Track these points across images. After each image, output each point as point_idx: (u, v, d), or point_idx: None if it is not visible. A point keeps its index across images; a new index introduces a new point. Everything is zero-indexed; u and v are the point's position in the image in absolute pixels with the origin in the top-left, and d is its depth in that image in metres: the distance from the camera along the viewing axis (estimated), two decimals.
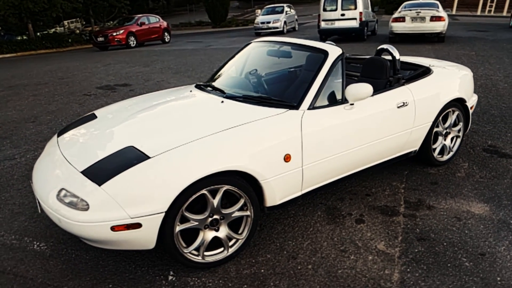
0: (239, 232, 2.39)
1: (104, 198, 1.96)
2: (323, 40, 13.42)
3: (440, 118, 3.29)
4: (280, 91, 2.84)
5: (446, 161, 3.51)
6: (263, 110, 2.53)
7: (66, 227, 2.04)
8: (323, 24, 13.78)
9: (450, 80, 3.36)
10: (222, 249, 2.34)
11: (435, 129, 3.31)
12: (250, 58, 3.36)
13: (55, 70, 10.88)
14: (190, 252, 2.22)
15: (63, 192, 2.09)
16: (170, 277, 2.26)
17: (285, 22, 19.37)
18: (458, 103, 3.38)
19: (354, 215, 2.82)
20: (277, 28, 18.93)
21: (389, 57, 3.40)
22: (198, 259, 2.25)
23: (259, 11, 27.42)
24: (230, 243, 2.35)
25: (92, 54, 15.66)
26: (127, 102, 3.19)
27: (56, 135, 2.87)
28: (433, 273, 2.20)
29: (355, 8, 13.12)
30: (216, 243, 2.32)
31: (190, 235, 2.25)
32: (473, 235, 2.53)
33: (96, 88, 7.89)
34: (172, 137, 2.25)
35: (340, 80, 2.72)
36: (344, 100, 2.69)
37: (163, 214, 2.01)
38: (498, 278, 2.14)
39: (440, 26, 11.44)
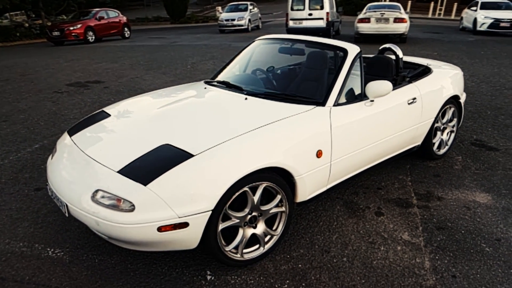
0: (274, 228, 2.39)
1: (151, 198, 1.89)
2: None
3: (440, 114, 3.47)
4: (301, 88, 2.85)
5: (443, 154, 3.72)
6: (290, 107, 2.54)
7: (106, 230, 1.94)
8: (291, 23, 13.93)
9: (448, 78, 3.55)
10: (257, 246, 2.32)
11: (435, 125, 3.49)
12: (261, 55, 3.35)
13: (12, 66, 10.17)
14: (230, 250, 2.19)
15: (100, 193, 1.98)
16: (208, 277, 2.22)
17: (249, 20, 19.32)
18: (454, 100, 3.58)
19: (372, 208, 2.91)
20: (242, 26, 18.85)
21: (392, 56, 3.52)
22: (238, 256, 2.23)
23: (219, 8, 27.13)
24: (266, 239, 2.35)
25: (48, 49, 14.78)
26: (138, 99, 3.08)
27: (66, 134, 2.71)
28: (460, 259, 2.33)
29: (322, 8, 13.37)
30: (248, 241, 2.30)
31: (225, 234, 2.22)
32: (485, 223, 2.70)
33: (66, 85, 7.48)
34: (209, 135, 2.21)
35: (359, 77, 2.79)
36: (363, 97, 2.76)
37: (210, 212, 1.97)
38: None
39: (402, 27, 12.00)
